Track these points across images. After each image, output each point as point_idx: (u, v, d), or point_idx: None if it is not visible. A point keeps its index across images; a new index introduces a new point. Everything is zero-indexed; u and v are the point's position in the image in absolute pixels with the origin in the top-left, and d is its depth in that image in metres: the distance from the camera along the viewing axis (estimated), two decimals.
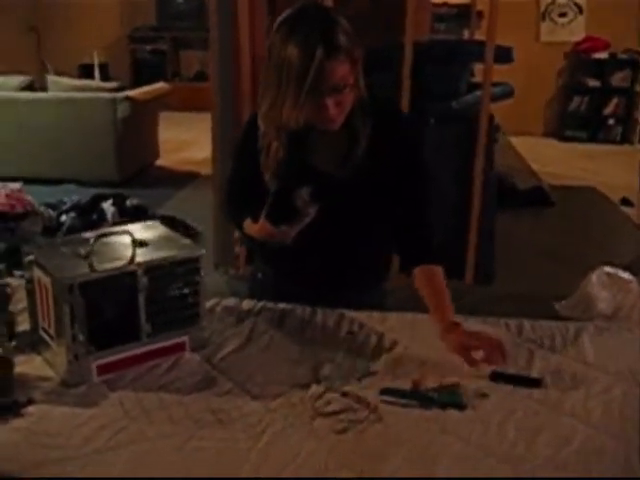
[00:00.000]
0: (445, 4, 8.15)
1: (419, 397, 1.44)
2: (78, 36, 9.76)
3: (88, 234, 1.62)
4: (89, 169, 6.01)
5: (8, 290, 1.69)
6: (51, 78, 6.57)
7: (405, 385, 1.48)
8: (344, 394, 1.44)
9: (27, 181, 5.24)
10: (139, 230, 1.66)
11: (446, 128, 3.87)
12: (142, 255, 1.54)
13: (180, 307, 1.59)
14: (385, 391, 1.45)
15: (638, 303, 1.94)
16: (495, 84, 3.92)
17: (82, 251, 1.51)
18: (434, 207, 1.85)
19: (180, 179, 6.41)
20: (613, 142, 8.60)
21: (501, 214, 4.35)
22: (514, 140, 7.26)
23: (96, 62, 8.25)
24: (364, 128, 1.69)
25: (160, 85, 7.07)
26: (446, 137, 3.87)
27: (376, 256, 1.94)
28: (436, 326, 1.68)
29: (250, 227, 1.77)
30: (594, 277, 2.03)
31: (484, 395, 1.47)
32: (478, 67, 4.32)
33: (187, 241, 1.67)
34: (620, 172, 6.68)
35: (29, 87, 6.29)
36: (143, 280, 1.51)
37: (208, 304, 1.79)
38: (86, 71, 8.95)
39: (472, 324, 1.72)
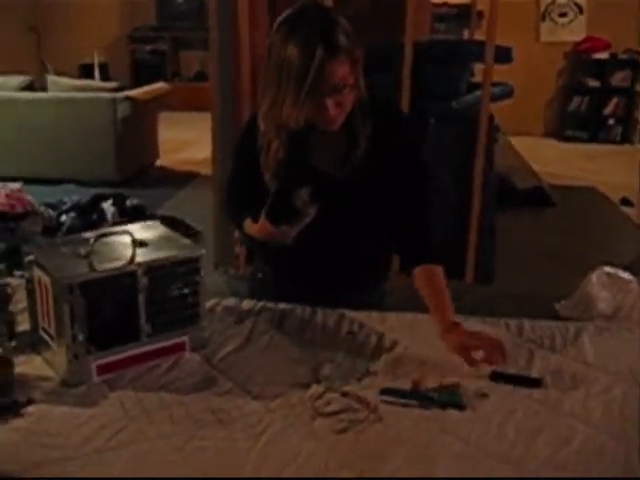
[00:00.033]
0: (445, 4, 8.15)
1: (419, 397, 1.44)
2: (78, 36, 9.76)
3: (88, 234, 1.62)
4: (89, 169, 6.01)
5: (8, 290, 1.69)
6: (51, 78, 6.57)
7: (405, 385, 1.48)
8: (344, 394, 1.44)
9: (27, 181, 5.24)
10: (139, 230, 1.66)
11: (446, 128, 3.87)
12: (142, 255, 1.54)
13: (180, 307, 1.59)
14: (385, 391, 1.45)
15: (638, 303, 1.94)
16: (495, 84, 3.92)
17: (82, 251, 1.52)
18: (434, 207, 1.85)
19: (180, 179, 6.41)
20: (613, 142, 8.60)
21: (501, 214, 4.35)
22: (514, 140, 7.25)
23: (96, 62, 8.25)
24: (364, 128, 1.69)
25: (160, 85, 7.07)
26: (446, 137, 3.87)
27: (376, 256, 1.94)
28: (436, 326, 1.68)
29: (250, 227, 1.77)
30: (594, 277, 2.03)
31: (484, 395, 1.47)
32: (478, 67, 4.32)
33: (187, 241, 1.67)
34: (620, 172, 6.68)
35: (29, 87, 6.28)
36: (143, 280, 1.51)
37: (208, 304, 1.79)
38: (86, 71, 8.95)
39: (472, 324, 1.72)
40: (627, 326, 1.83)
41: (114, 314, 1.51)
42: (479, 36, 4.96)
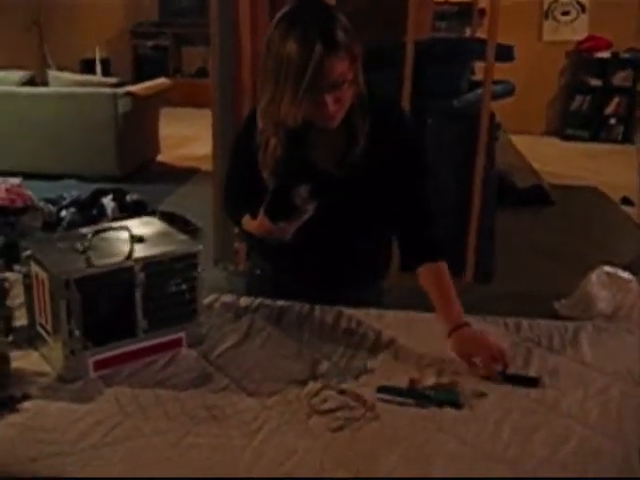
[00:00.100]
0: (447, 2, 8.13)
1: (416, 395, 1.44)
2: (80, 31, 9.76)
3: (85, 229, 1.62)
4: (90, 164, 6.01)
5: (6, 285, 1.68)
6: (52, 73, 6.57)
7: (402, 383, 1.47)
8: (341, 392, 1.44)
9: (27, 176, 5.25)
10: (137, 226, 1.66)
11: (447, 126, 3.86)
12: (139, 251, 1.54)
13: (177, 303, 1.59)
14: (382, 389, 1.44)
15: (638, 302, 1.94)
16: (496, 82, 3.92)
17: (79, 246, 1.51)
18: (434, 205, 1.84)
19: (181, 175, 6.41)
20: (614, 141, 8.58)
21: (501, 212, 4.35)
22: (516, 138, 7.25)
23: (98, 57, 8.26)
24: (363, 125, 1.68)
25: (161, 81, 7.06)
26: (447, 135, 3.87)
27: (374, 253, 1.94)
28: (443, 326, 1.67)
29: (249, 224, 1.77)
30: (594, 276, 2.03)
31: (482, 394, 1.47)
32: (479, 65, 4.32)
33: (185, 237, 1.66)
34: (621, 171, 6.67)
35: (30, 82, 6.28)
36: (140, 276, 1.51)
37: (206, 300, 1.79)
38: (88, 66, 8.95)
39: (472, 323, 1.71)
40: (626, 326, 1.83)
41: (111, 310, 1.50)
42: (481, 34, 4.96)
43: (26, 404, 1.39)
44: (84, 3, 9.70)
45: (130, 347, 1.54)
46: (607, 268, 2.09)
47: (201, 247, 1.61)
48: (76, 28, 9.78)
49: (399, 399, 1.43)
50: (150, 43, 10.15)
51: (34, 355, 1.58)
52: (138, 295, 1.51)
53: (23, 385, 1.44)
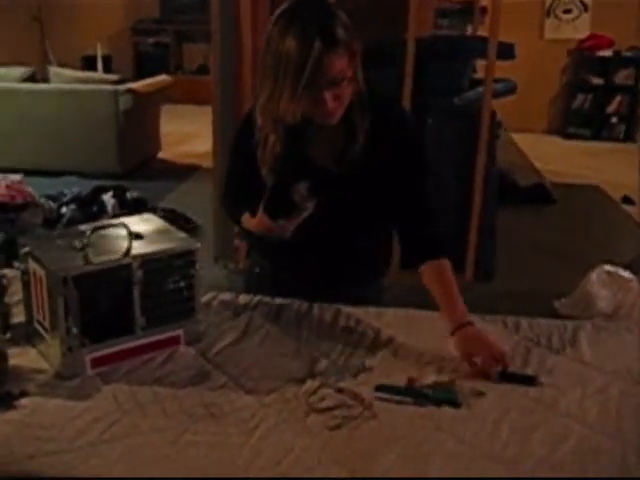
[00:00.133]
0: None
1: (414, 394, 1.43)
2: (81, 28, 9.76)
3: (84, 226, 1.61)
4: (91, 161, 6.01)
5: (4, 281, 1.68)
6: (53, 69, 6.57)
7: (401, 381, 1.47)
8: (339, 390, 1.44)
9: (28, 173, 5.25)
10: (135, 223, 1.65)
11: (448, 124, 3.86)
12: (137, 248, 1.53)
13: (175, 300, 1.58)
14: (380, 388, 1.44)
15: (638, 301, 1.94)
16: (498, 80, 3.91)
17: (77, 244, 1.51)
18: (435, 202, 1.83)
19: (182, 172, 6.41)
20: (616, 140, 8.58)
21: (502, 211, 4.34)
22: (517, 137, 7.25)
23: (99, 54, 8.26)
24: (362, 123, 1.67)
25: (162, 78, 7.06)
26: (448, 133, 3.86)
27: (374, 251, 1.94)
28: (447, 324, 1.66)
29: (248, 221, 1.76)
30: (594, 276, 2.03)
31: (480, 393, 1.46)
32: (480, 63, 4.31)
33: (183, 234, 1.66)
34: (623, 170, 6.66)
35: (31, 78, 6.28)
36: (138, 273, 1.50)
37: (205, 298, 1.79)
38: (89, 63, 8.96)
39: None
40: (626, 325, 1.82)
41: (109, 307, 1.50)
42: (482, 32, 4.95)
43: (23, 401, 1.38)
44: (85, 0, 9.70)
45: (128, 344, 1.53)
46: (607, 267, 2.09)
47: (199, 245, 1.60)
48: (77, 25, 9.78)
49: (397, 398, 1.42)
50: (151, 40, 10.16)
51: (32, 352, 1.57)
52: (136, 292, 1.51)
53: (21, 382, 1.44)
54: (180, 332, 1.61)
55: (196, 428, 1.32)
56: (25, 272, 1.57)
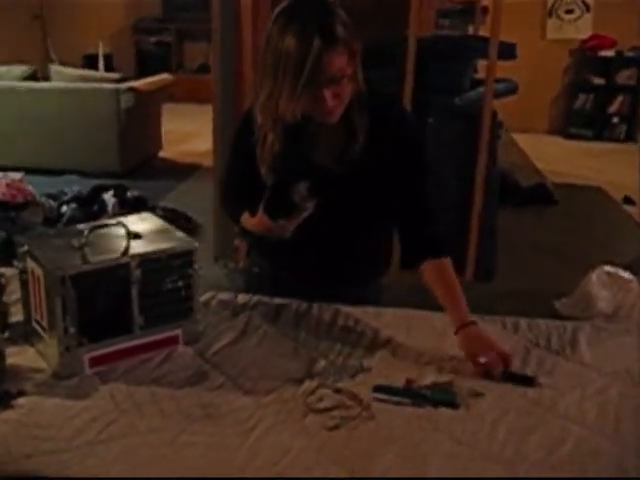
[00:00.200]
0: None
1: (412, 395, 1.43)
2: (83, 26, 9.76)
3: (82, 226, 1.61)
4: (92, 160, 6.00)
5: (2, 280, 1.68)
6: (54, 68, 6.56)
7: (399, 382, 1.47)
8: (337, 390, 1.43)
9: (29, 171, 5.24)
10: (134, 222, 1.65)
11: (449, 124, 3.85)
12: (136, 247, 1.53)
13: (173, 300, 1.58)
14: (378, 388, 1.44)
15: (638, 302, 1.93)
16: (499, 80, 3.90)
17: (76, 243, 1.51)
18: (435, 202, 1.83)
19: (183, 171, 6.41)
20: (617, 140, 8.57)
21: (504, 211, 4.34)
22: (519, 137, 7.23)
23: (101, 53, 8.26)
24: (362, 122, 1.67)
25: (164, 76, 7.05)
26: (449, 133, 3.85)
27: (374, 251, 1.93)
28: (450, 324, 1.66)
29: (248, 221, 1.76)
30: (594, 276, 2.02)
31: (478, 394, 1.46)
32: (482, 63, 4.30)
33: (181, 234, 1.65)
34: (624, 170, 6.65)
35: (32, 77, 6.27)
36: (136, 272, 1.50)
37: (203, 298, 1.78)
38: (90, 61, 8.95)
39: None
40: (625, 326, 1.81)
41: (107, 306, 1.50)
42: (483, 32, 4.94)
43: (21, 400, 1.38)
44: None
45: (126, 344, 1.53)
46: (607, 268, 2.07)
47: (197, 244, 1.60)
48: (79, 23, 9.78)
49: (395, 398, 1.42)
50: (153, 39, 10.16)
51: (30, 351, 1.57)
52: (134, 292, 1.51)
53: (18, 381, 1.44)
54: (178, 332, 1.60)
55: (194, 428, 1.32)
56: (23, 271, 1.56)
